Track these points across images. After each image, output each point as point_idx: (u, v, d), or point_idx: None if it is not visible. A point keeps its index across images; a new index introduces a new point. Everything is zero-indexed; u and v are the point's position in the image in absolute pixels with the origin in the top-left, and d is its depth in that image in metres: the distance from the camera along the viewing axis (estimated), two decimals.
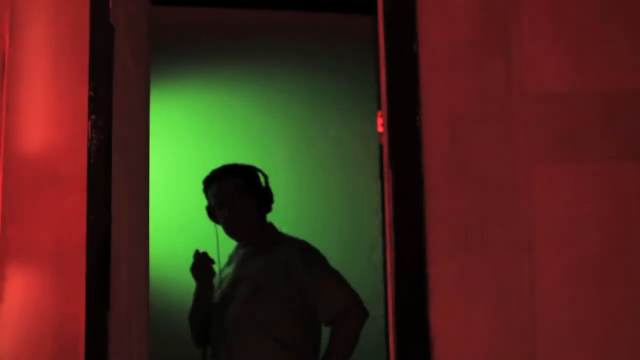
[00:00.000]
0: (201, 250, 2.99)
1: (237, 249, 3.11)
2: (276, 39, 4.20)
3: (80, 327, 1.90)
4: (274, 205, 3.02)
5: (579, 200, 1.96)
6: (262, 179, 3.07)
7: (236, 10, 4.13)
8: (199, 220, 3.04)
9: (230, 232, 3.04)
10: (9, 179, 1.95)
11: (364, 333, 2.83)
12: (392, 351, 1.94)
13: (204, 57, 4.20)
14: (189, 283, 3.02)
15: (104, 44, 1.98)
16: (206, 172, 3.01)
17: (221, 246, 3.02)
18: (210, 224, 3.03)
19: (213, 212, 3.05)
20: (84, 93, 1.97)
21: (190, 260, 2.95)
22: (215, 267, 2.99)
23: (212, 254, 2.98)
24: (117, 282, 1.99)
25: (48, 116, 1.98)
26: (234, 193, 3.02)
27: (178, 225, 3.84)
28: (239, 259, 3.04)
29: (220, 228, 3.02)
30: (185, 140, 4.00)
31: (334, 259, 2.90)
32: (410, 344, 1.91)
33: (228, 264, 3.08)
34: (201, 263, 2.98)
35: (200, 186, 3.03)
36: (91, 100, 1.96)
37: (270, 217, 3.00)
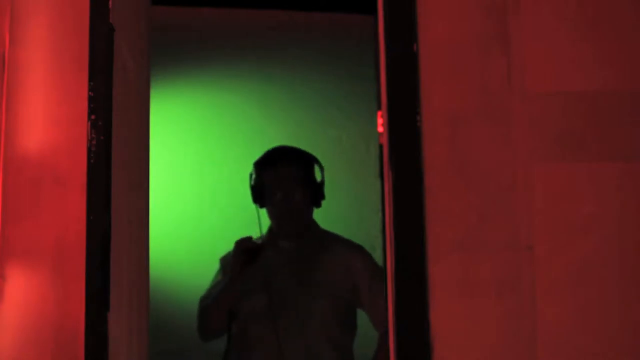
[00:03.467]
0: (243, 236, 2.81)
1: (274, 240, 2.93)
2: (276, 39, 4.20)
3: (80, 327, 1.89)
4: None
5: (579, 200, 1.96)
6: (317, 173, 2.98)
7: (236, 10, 4.13)
8: (200, 220, 3.04)
9: (287, 220, 2.89)
10: (9, 179, 1.95)
11: (364, 333, 2.85)
12: (392, 351, 1.94)
13: (204, 57, 4.21)
14: (189, 283, 3.01)
15: (104, 44, 1.98)
16: (206, 172, 2.96)
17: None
18: (210, 222, 2.96)
19: (261, 194, 2.90)
20: (84, 93, 1.97)
21: (190, 261, 2.94)
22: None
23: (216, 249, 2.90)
24: (117, 282, 1.99)
25: (48, 116, 1.98)
26: (299, 180, 2.90)
27: (178, 225, 3.84)
28: (289, 255, 2.91)
29: (263, 213, 2.89)
30: (186, 140, 4.00)
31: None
32: (410, 344, 1.91)
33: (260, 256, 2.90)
34: (247, 252, 2.81)
35: (201, 185, 2.98)
36: (91, 100, 1.96)
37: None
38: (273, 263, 2.90)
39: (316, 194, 2.97)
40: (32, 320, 1.91)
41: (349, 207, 4.07)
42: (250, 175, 2.97)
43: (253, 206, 2.93)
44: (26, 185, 1.95)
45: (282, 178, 2.91)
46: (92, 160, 1.94)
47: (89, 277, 1.90)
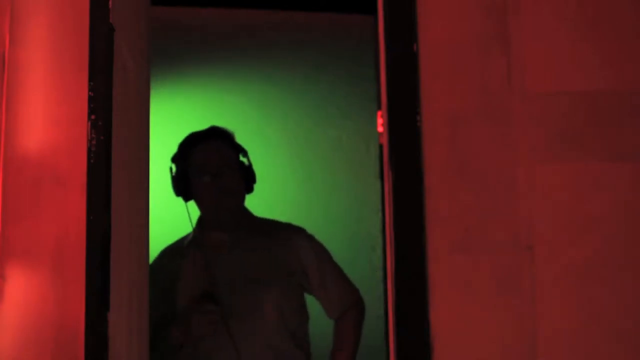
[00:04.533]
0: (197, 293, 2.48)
1: (206, 233, 2.67)
2: (276, 39, 4.20)
3: (80, 327, 1.89)
4: (273, 205, 2.99)
5: (579, 200, 1.96)
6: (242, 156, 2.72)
7: (236, 11, 4.13)
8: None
9: (221, 204, 2.60)
10: (9, 179, 1.95)
11: (364, 333, 2.83)
12: (392, 351, 1.94)
13: (204, 57, 4.21)
14: None
15: (104, 44, 1.98)
16: None
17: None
18: None
19: (186, 182, 2.62)
20: (84, 93, 1.97)
21: None
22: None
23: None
24: (117, 282, 1.99)
25: (48, 116, 1.98)
26: (232, 159, 2.65)
27: (178, 225, 3.83)
28: (229, 248, 2.65)
29: (191, 205, 2.62)
30: None
31: (334, 258, 2.90)
32: (410, 344, 1.91)
33: (191, 252, 2.67)
34: (208, 314, 2.48)
35: None
36: (91, 100, 1.95)
37: (270, 217, 2.99)
38: (213, 263, 2.65)
39: (247, 178, 2.70)
40: (32, 320, 1.91)
41: (349, 207, 4.07)
42: (170, 168, 2.72)
43: (253, 205, 2.85)
44: (26, 185, 1.95)
45: (209, 156, 2.63)
46: (92, 160, 1.94)
47: (89, 277, 1.90)
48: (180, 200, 2.78)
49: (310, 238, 2.80)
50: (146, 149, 2.44)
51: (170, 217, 3.77)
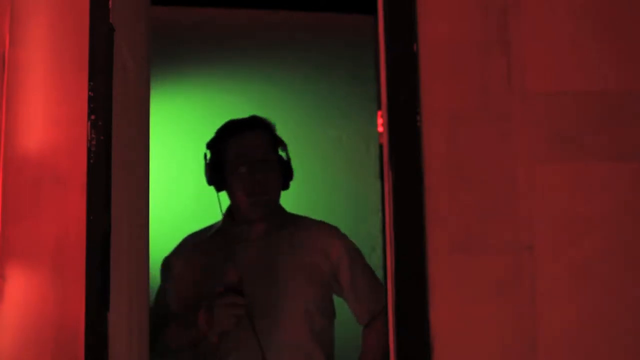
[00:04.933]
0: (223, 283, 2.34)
1: (235, 225, 2.53)
2: (276, 39, 4.20)
3: (80, 327, 1.89)
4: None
5: (579, 199, 1.96)
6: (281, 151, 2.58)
7: (236, 10, 4.13)
8: (200, 219, 3.03)
9: (256, 201, 2.45)
10: (9, 179, 1.95)
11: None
12: (392, 351, 1.94)
13: (204, 57, 4.21)
14: None
15: (104, 44, 1.98)
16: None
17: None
18: (210, 222, 2.81)
19: (220, 171, 2.49)
20: (84, 93, 1.97)
21: None
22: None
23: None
24: (117, 282, 1.99)
25: (48, 116, 1.98)
26: (271, 152, 2.49)
27: (178, 225, 3.84)
28: (261, 242, 2.52)
29: (223, 196, 2.49)
30: (186, 140, 4.00)
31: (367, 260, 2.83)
32: (410, 344, 1.91)
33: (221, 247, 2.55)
34: (233, 308, 2.36)
35: (201, 185, 2.80)
36: (91, 100, 1.95)
37: None
38: (240, 256, 2.54)
39: (284, 174, 2.56)
40: (32, 320, 1.91)
41: (349, 207, 4.07)
42: (205, 155, 2.58)
43: None
44: (26, 185, 1.95)
45: (247, 147, 2.49)
46: (92, 160, 1.94)
47: (89, 277, 1.90)
48: (179, 200, 2.76)
49: (344, 237, 2.68)
50: (146, 149, 2.44)
51: (170, 217, 3.78)
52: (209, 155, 2.60)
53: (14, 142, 1.96)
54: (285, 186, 2.61)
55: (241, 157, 2.51)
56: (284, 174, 2.60)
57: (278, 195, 2.61)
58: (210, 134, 2.72)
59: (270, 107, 4.17)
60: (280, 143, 2.63)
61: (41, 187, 1.95)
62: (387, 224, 1.99)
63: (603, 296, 1.93)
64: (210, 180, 2.58)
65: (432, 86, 1.98)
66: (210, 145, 2.62)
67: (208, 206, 3.85)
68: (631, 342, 1.93)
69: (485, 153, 1.97)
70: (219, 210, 2.61)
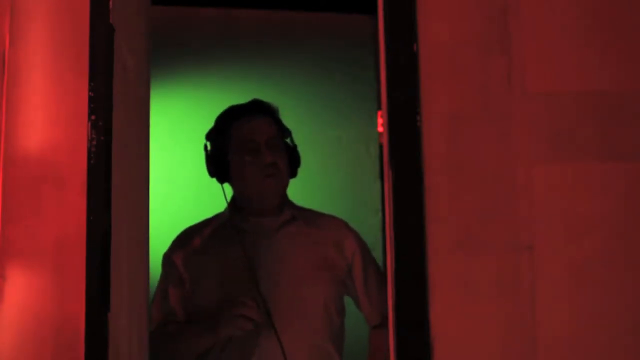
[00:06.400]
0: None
1: (241, 217, 2.38)
2: (276, 39, 4.20)
3: (81, 327, 1.89)
4: None
5: (579, 200, 1.96)
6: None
7: (236, 10, 4.13)
8: (199, 219, 3.03)
9: (264, 189, 2.30)
10: (9, 179, 1.95)
11: (363, 333, 2.82)
12: (392, 351, 1.94)
13: (204, 57, 4.21)
14: None
15: (104, 44, 1.98)
16: (206, 172, 2.59)
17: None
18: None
19: (223, 160, 2.33)
20: (84, 93, 1.97)
21: None
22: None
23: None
24: (117, 282, 1.99)
25: (48, 116, 1.98)
26: (277, 137, 2.34)
27: (178, 225, 3.84)
28: (273, 236, 2.38)
29: (227, 187, 2.32)
30: (185, 140, 4.00)
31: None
32: (410, 344, 1.91)
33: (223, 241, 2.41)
34: (244, 312, 2.26)
35: (201, 185, 2.70)
36: (91, 100, 1.95)
37: None
38: (252, 252, 2.37)
39: (291, 161, 2.41)
40: (32, 320, 1.91)
41: (349, 207, 4.07)
42: (205, 146, 2.43)
43: None
44: (26, 185, 1.95)
45: (251, 132, 2.33)
46: (92, 161, 1.94)
47: (89, 277, 1.90)
48: (179, 199, 2.73)
49: (354, 232, 2.58)
50: (146, 149, 2.44)
51: (170, 217, 3.78)
52: (209, 146, 2.46)
53: (14, 142, 1.96)
54: (293, 173, 2.49)
55: (245, 143, 2.37)
56: (291, 162, 2.47)
57: (286, 183, 2.48)
58: None
59: None
60: (284, 130, 2.51)
61: (41, 187, 1.95)
62: (387, 224, 1.99)
63: (603, 296, 1.93)
64: (213, 172, 2.43)
65: (432, 86, 1.98)
66: (210, 134, 2.49)
67: (208, 206, 3.85)
68: (631, 342, 1.93)
69: (485, 153, 1.97)
70: (225, 202, 2.48)
